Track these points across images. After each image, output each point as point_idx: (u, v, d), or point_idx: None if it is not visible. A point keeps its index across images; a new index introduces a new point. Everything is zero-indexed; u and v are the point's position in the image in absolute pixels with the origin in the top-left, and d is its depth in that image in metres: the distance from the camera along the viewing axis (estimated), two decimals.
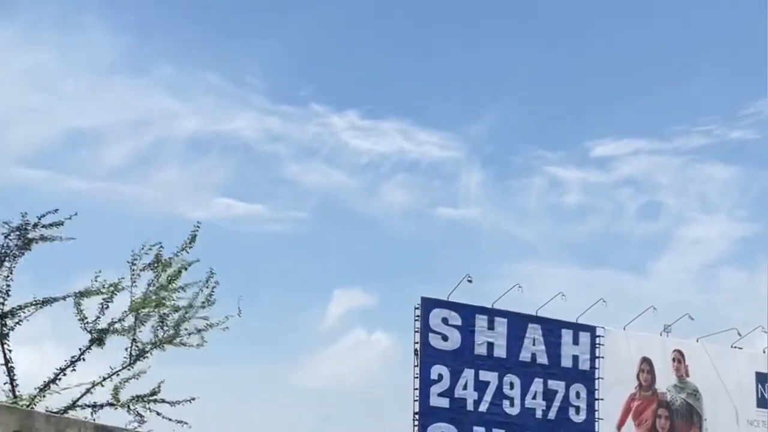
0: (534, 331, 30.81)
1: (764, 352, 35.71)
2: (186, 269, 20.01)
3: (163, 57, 50.39)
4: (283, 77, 49.89)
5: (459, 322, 29.52)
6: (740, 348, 35.14)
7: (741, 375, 34.74)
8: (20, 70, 44.39)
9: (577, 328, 31.70)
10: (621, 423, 32.18)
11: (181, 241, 20.11)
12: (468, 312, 29.78)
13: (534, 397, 30.57)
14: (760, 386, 35.20)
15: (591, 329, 32.01)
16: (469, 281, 29.09)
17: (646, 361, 32.89)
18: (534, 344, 30.75)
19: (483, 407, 29.61)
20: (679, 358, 33.65)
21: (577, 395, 31.34)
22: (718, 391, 34.22)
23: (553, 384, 30.92)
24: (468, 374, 29.47)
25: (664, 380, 33.18)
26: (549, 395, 30.83)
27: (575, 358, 31.52)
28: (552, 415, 30.83)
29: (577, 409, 31.31)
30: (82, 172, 47.24)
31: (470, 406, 29.44)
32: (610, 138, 46.11)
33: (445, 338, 29.31)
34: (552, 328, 31.21)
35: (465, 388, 29.36)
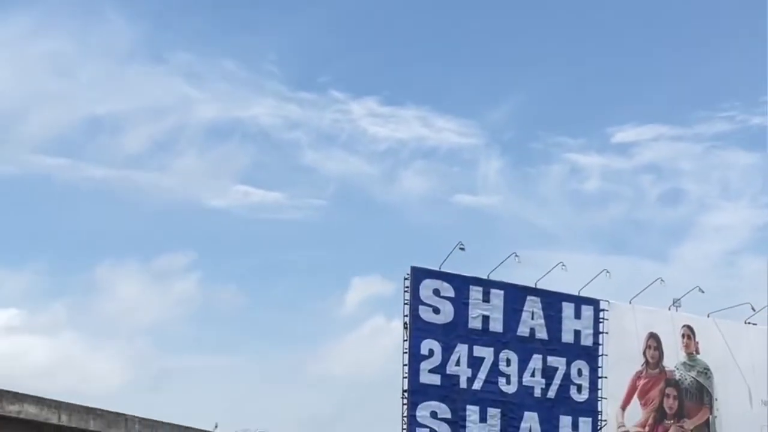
0: (533, 304, 28.84)
1: None
2: None
3: (182, 44, 50.20)
4: (301, 64, 49.45)
5: (452, 294, 27.57)
6: (754, 324, 33.08)
7: (755, 353, 32.70)
8: (39, 56, 44.07)
9: (579, 301, 29.72)
10: (626, 402, 30.24)
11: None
12: (461, 283, 27.83)
13: (532, 375, 28.64)
14: None
15: (594, 303, 30.02)
16: (461, 249, 27.14)
17: (653, 337, 30.89)
18: (533, 318, 28.78)
19: (477, 385, 27.70)
20: (688, 334, 31.64)
21: (579, 373, 29.39)
22: (731, 370, 32.22)
23: (552, 360, 28.98)
24: (461, 349, 27.55)
25: (673, 357, 31.19)
26: (548, 372, 28.90)
27: (577, 333, 29.55)
28: (551, 393, 28.91)
29: (579, 388, 29.37)
30: (101, 159, 47.10)
31: (463, 384, 27.53)
32: (631, 124, 45.28)
33: (436, 311, 27.37)
34: (552, 301, 29.23)
35: (458, 364, 27.45)
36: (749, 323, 32.91)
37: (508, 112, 48.52)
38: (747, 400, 32.47)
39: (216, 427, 25.82)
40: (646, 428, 30.42)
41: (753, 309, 32.39)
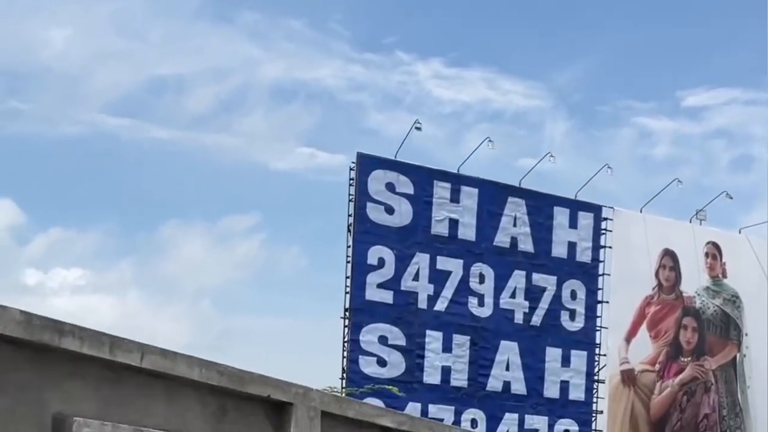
0: (515, 208, 23.05)
1: None
2: None
3: (247, 3, 50.73)
4: (367, 24, 47.79)
5: (411, 190, 21.87)
6: None
7: None
8: (107, 15, 43.89)
9: (575, 206, 23.88)
10: (631, 334, 24.51)
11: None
12: (424, 176, 22.12)
13: (512, 296, 22.97)
14: None
15: (595, 209, 24.18)
16: (418, 129, 21.42)
17: (668, 255, 25.00)
18: (515, 225, 23.02)
19: (441, 305, 22.13)
20: (714, 253, 25.70)
21: (573, 295, 23.68)
22: (764, 299, 26.25)
23: (539, 279, 23.30)
24: (421, 260, 21.93)
25: (693, 281, 25.33)
26: (533, 294, 23.23)
27: (572, 247, 23.77)
28: (536, 319, 23.27)
29: (572, 314, 23.68)
30: (165, 119, 47.63)
31: (423, 303, 21.97)
32: (703, 87, 43.28)
33: (389, 210, 21.72)
34: (541, 205, 23.42)
35: (416, 278, 21.86)
36: None
37: (576, 75, 47.79)
38: None
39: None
40: (657, 366, 24.71)
41: None
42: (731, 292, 25.81)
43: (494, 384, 22.67)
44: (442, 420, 20.40)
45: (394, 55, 46.13)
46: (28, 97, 46.96)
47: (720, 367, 25.56)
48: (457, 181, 22.37)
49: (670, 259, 24.99)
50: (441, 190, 22.13)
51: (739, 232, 26.24)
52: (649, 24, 47.31)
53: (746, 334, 25.95)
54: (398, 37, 49.04)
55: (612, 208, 24.41)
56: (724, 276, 25.81)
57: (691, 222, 25.60)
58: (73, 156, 46.65)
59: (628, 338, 24.45)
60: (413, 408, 21.38)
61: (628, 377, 24.33)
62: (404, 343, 21.70)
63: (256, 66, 46.60)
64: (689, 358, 25.09)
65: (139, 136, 45.68)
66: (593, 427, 23.89)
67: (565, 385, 23.54)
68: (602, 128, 46.38)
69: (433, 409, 21.83)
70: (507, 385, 22.83)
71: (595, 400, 23.98)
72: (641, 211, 24.94)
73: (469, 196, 22.44)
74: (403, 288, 21.73)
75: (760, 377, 25.99)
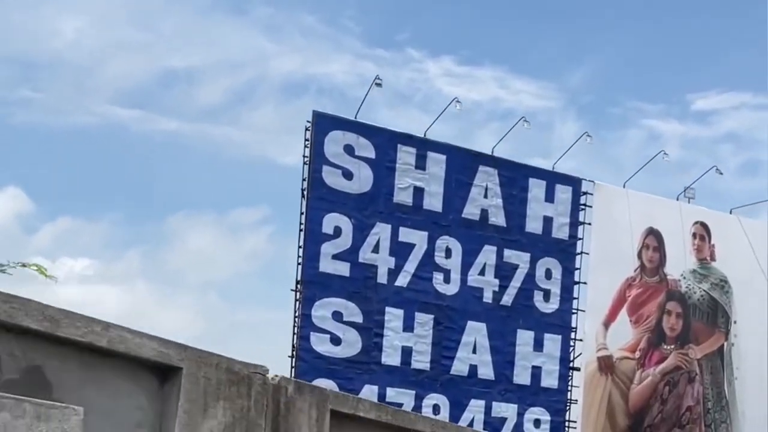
0: (487, 178, 21.28)
1: None
2: None
3: None
4: (379, 20, 47.84)
5: (371, 154, 20.12)
6: None
7: None
8: (121, 5, 44.02)
9: (553, 178, 22.12)
10: (610, 318, 22.76)
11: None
12: (387, 140, 20.36)
13: (482, 273, 21.22)
14: None
15: (574, 182, 22.43)
16: (378, 84, 19.65)
17: (653, 234, 23.24)
18: (486, 196, 21.27)
19: (402, 280, 20.38)
20: (702, 233, 23.93)
21: (548, 274, 21.94)
22: (756, 284, 24.52)
23: (511, 256, 21.55)
24: (382, 231, 20.19)
25: (679, 263, 23.57)
26: (505, 271, 21.48)
27: (548, 222, 22.03)
28: (508, 299, 21.52)
29: (546, 294, 21.95)
30: (176, 111, 47.72)
31: (382, 278, 20.22)
32: (714, 91, 43.86)
33: (348, 175, 19.97)
34: (515, 176, 21.66)
35: (376, 250, 20.12)
36: None
37: (587, 76, 47.45)
38: None
39: None
40: (637, 353, 22.96)
41: None
42: (720, 276, 24.06)
43: (459, 367, 20.93)
44: (401, 405, 18.67)
45: (405, 52, 45.70)
46: (39, 86, 46.79)
47: (706, 356, 23.81)
48: (424, 146, 20.60)
49: (654, 239, 23.23)
50: (405, 155, 20.36)
51: (730, 212, 24.48)
52: (660, 25, 47.58)
53: (735, 322, 24.21)
54: (409, 34, 49.05)
55: (593, 182, 22.65)
56: (713, 259, 24.05)
57: (678, 200, 23.83)
58: (83, 146, 47.01)
59: (607, 323, 22.70)
60: (369, 391, 19.67)
61: (606, 364, 22.58)
62: (361, 320, 19.96)
63: (268, 60, 47.16)
64: (672, 346, 23.34)
65: (149, 128, 45.86)
66: (566, 417, 22.15)
67: (537, 371, 21.80)
68: (612, 129, 46.50)
69: (392, 393, 20.10)
70: (473, 369, 21.09)
71: (569, 388, 22.23)
72: (624, 186, 23.17)
73: (436, 163, 20.67)
74: (361, 260, 19.98)
75: (748, 368, 24.25)
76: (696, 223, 23.87)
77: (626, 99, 48.46)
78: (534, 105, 42.53)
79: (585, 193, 22.45)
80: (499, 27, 47.79)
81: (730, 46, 47.42)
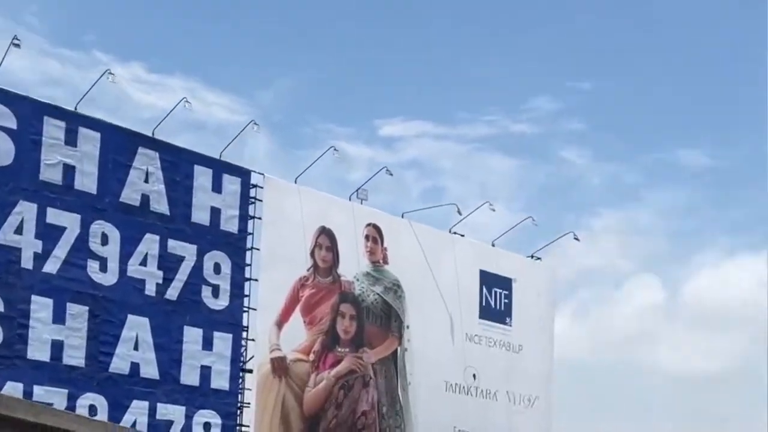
0: (148, 161, 19.90)
1: (493, 244, 26.52)
2: None
3: None
4: (64, 20, 45.77)
5: (13, 125, 18.17)
6: (462, 235, 25.72)
7: (461, 271, 25.39)
8: None
9: (220, 167, 21.13)
10: (284, 318, 21.79)
11: None
12: (31, 110, 18.52)
13: (143, 263, 19.62)
14: (485, 290, 25.87)
15: (243, 173, 21.56)
16: (16, 45, 17.95)
17: (326, 234, 22.71)
18: (147, 180, 19.86)
19: (51, 266, 18.35)
20: (375, 236, 23.74)
21: (217, 269, 20.72)
22: (429, 290, 24.65)
23: (176, 246, 20.16)
24: (26, 210, 18.15)
25: (353, 264, 23.18)
26: (169, 263, 20.02)
27: (216, 213, 20.91)
28: (173, 293, 20.01)
29: (216, 290, 20.68)
30: None
31: (27, 262, 18.09)
32: (399, 118, 46.20)
33: None
34: (178, 161, 20.45)
35: (19, 231, 18.02)
36: (456, 233, 25.53)
37: (279, 95, 48.79)
38: (448, 331, 24.97)
39: None
40: (311, 356, 22.05)
41: (459, 212, 25.09)
42: (393, 279, 23.86)
43: (119, 365, 18.97)
44: (51, 404, 16.38)
45: (92, 54, 43.78)
46: None
47: (380, 360, 23.34)
48: (75, 120, 18.91)
49: (326, 238, 22.67)
50: (53, 129, 18.55)
51: (402, 216, 24.49)
52: (349, 52, 49.44)
53: (408, 327, 24.00)
54: (96, 37, 46.91)
55: (263, 174, 21.85)
56: (386, 262, 23.85)
57: (351, 200, 23.50)
58: None
59: (280, 323, 21.67)
60: (13, 388, 17.25)
61: (280, 366, 21.44)
62: (2, 309, 17.62)
63: None
64: (347, 349, 22.65)
65: None
66: (238, 421, 20.67)
67: (206, 372, 20.26)
68: (303, 147, 47.25)
69: (40, 391, 17.76)
70: (135, 367, 19.21)
71: (241, 389, 20.85)
72: (296, 182, 22.54)
73: (89, 141, 19.01)
74: (1, 242, 17.75)
75: (422, 373, 24.04)
76: (368, 225, 23.63)
77: (317, 120, 49.84)
78: (226, 118, 42.31)
79: (254, 186, 21.58)
80: (191, 38, 48.15)
81: (415, 75, 49.87)
